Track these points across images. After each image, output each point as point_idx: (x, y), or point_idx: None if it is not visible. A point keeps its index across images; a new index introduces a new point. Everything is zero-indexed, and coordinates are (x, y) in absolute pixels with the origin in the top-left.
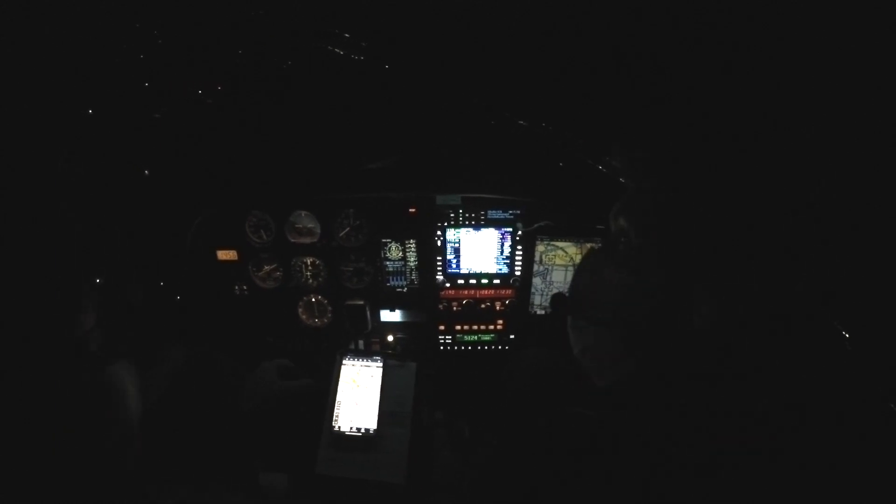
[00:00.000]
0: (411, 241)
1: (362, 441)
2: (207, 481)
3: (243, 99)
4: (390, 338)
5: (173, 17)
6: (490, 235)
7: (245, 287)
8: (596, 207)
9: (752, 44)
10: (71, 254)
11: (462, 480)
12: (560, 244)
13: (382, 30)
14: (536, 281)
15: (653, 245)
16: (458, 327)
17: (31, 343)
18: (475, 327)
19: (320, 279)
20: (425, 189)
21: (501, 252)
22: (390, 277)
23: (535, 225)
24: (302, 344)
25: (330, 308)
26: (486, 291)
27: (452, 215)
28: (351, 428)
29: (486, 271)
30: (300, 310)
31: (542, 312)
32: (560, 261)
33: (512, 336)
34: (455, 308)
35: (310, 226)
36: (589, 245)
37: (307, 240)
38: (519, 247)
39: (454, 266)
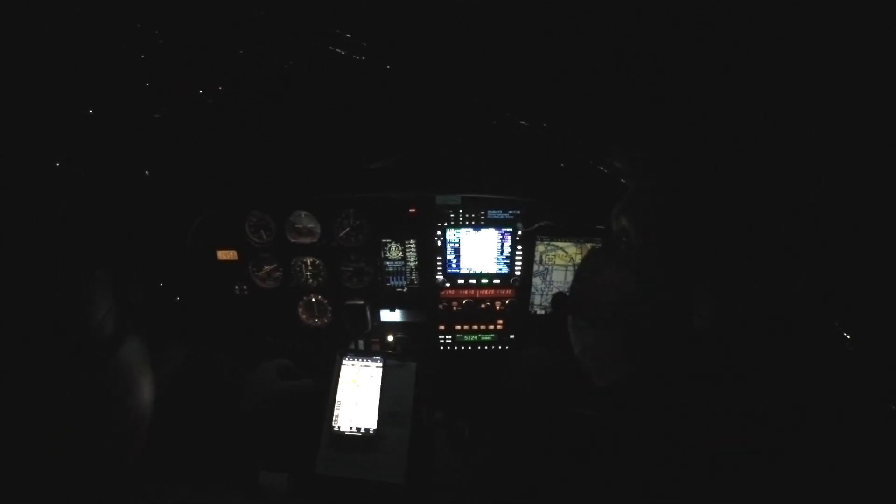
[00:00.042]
0: (411, 241)
1: (362, 441)
2: (207, 481)
3: (243, 99)
4: (390, 338)
5: (173, 17)
6: (490, 235)
7: (245, 287)
8: (596, 207)
9: (752, 44)
10: (71, 253)
11: (462, 480)
12: (560, 244)
13: (382, 30)
14: (536, 281)
15: (653, 245)
16: (458, 327)
17: (31, 344)
18: (475, 327)
19: (320, 279)
20: (425, 189)
21: (501, 252)
22: (390, 277)
23: (536, 225)
24: (302, 344)
25: (330, 308)
26: (486, 291)
27: (452, 215)
28: (351, 428)
29: (486, 271)
30: (300, 310)
31: (542, 312)
32: (560, 261)
33: (512, 336)
34: (455, 308)
35: (310, 226)
36: (589, 245)
37: (307, 240)
38: (519, 247)
39: (454, 266)
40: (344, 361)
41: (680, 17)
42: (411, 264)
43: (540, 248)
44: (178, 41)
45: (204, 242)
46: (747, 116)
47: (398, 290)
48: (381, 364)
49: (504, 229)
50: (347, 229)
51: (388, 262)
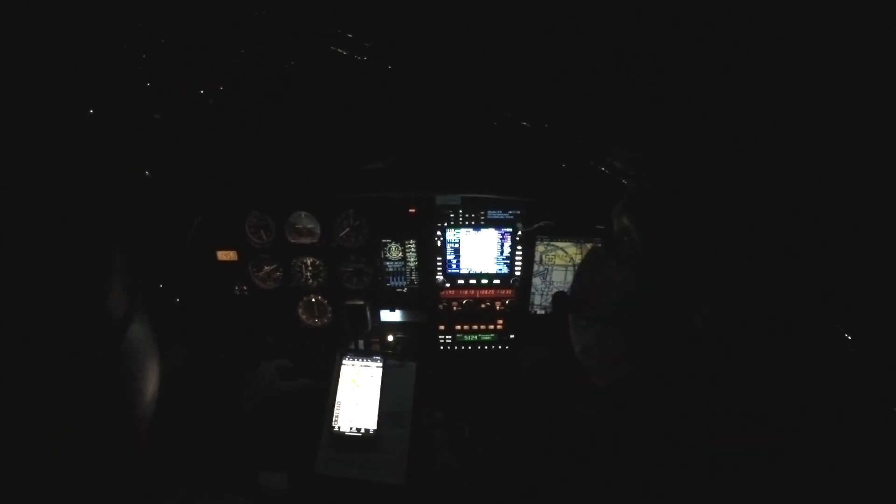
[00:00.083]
0: (411, 241)
1: (362, 441)
2: (207, 481)
3: (243, 99)
4: (390, 338)
5: (173, 17)
6: (490, 236)
7: (245, 287)
8: (596, 207)
9: (752, 44)
10: (71, 253)
11: (462, 480)
12: (560, 244)
13: (382, 30)
14: (536, 281)
15: (653, 245)
16: (458, 327)
17: (31, 344)
18: (475, 327)
19: (320, 279)
20: (425, 189)
21: (501, 252)
22: (390, 278)
23: (535, 225)
24: (302, 344)
25: (330, 308)
26: (486, 291)
27: (452, 215)
28: (351, 428)
29: (486, 271)
30: (300, 310)
31: (542, 312)
32: (560, 261)
33: (512, 336)
34: (455, 308)
35: (310, 226)
36: (589, 245)
37: (307, 240)
38: (519, 247)
39: (454, 266)
40: (344, 361)
41: (680, 17)
42: (411, 264)
43: (540, 248)
44: (178, 41)
45: (204, 243)
46: (747, 116)
47: (398, 290)
48: (380, 364)
49: (504, 229)
50: (347, 229)
51: (388, 263)
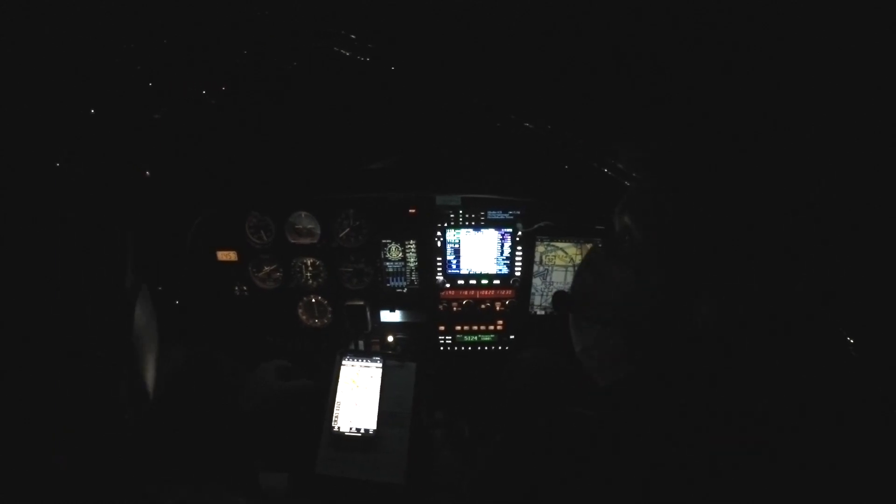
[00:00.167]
0: (411, 241)
1: (362, 441)
2: (207, 481)
3: (243, 99)
4: (390, 338)
5: (173, 17)
6: (490, 236)
7: (245, 288)
8: (596, 207)
9: (752, 44)
10: (71, 253)
11: (462, 480)
12: (560, 245)
13: (382, 30)
14: (536, 281)
15: (653, 245)
16: (459, 328)
17: (32, 343)
18: (475, 328)
19: (320, 280)
20: (425, 189)
21: (501, 253)
22: (390, 278)
23: (536, 225)
24: (302, 344)
25: (330, 309)
26: (486, 292)
27: (452, 216)
28: (350, 428)
29: (486, 272)
30: (300, 310)
31: (542, 313)
32: (560, 261)
33: (512, 336)
34: (455, 308)
35: (310, 226)
36: (589, 245)
37: (307, 240)
38: (519, 247)
39: (454, 266)
40: (344, 362)
41: (680, 17)
42: (411, 265)
43: (540, 248)
44: (179, 41)
45: (204, 243)
46: (747, 116)
47: (398, 290)
48: (380, 364)
49: (504, 230)
50: (347, 230)
51: (387, 263)
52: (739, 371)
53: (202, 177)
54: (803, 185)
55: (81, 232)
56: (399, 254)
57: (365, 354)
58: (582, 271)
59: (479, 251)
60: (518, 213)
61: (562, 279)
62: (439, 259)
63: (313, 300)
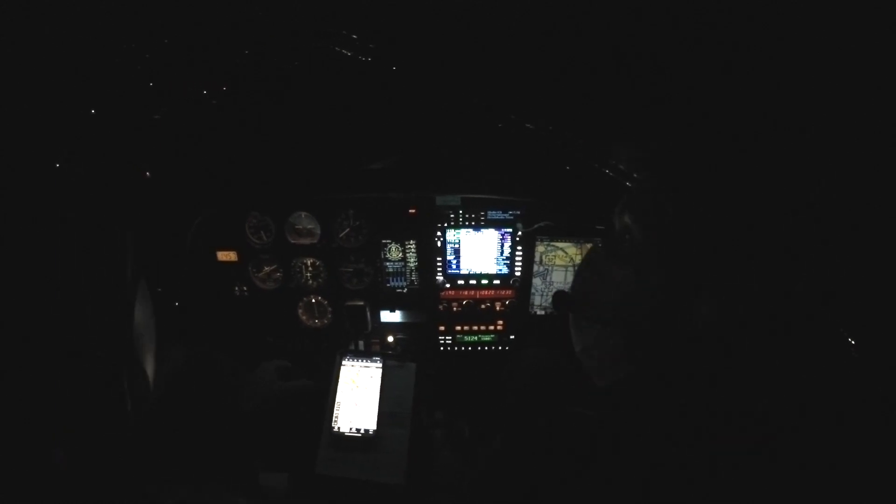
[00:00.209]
0: (411, 241)
1: (362, 441)
2: (207, 481)
3: (243, 99)
4: (390, 338)
5: (173, 17)
6: (490, 236)
7: (245, 288)
8: (596, 207)
9: (752, 44)
10: (71, 253)
11: (462, 480)
12: (560, 245)
13: (382, 30)
14: (536, 281)
15: (653, 245)
16: (459, 328)
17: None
18: (475, 328)
19: (320, 280)
20: (425, 189)
21: (501, 253)
22: (390, 278)
23: (536, 225)
24: (302, 344)
25: (330, 309)
26: (486, 292)
27: (452, 216)
28: (350, 428)
29: (486, 272)
30: (300, 311)
31: (542, 313)
32: (560, 261)
33: (512, 336)
34: (455, 309)
35: (310, 227)
36: (589, 245)
37: (307, 241)
38: (519, 247)
39: (454, 267)
40: (343, 362)
41: (680, 17)
42: (411, 265)
43: (540, 248)
44: (178, 41)
45: (204, 243)
46: (747, 116)
47: (398, 290)
48: (380, 365)
49: (504, 230)
50: (347, 230)
51: (388, 263)
52: (739, 371)
53: (202, 177)
54: (803, 185)
55: (81, 232)
56: (399, 254)
57: (365, 354)
58: (582, 271)
59: (479, 251)
60: (518, 213)
61: (562, 279)
62: (439, 259)
63: (313, 300)
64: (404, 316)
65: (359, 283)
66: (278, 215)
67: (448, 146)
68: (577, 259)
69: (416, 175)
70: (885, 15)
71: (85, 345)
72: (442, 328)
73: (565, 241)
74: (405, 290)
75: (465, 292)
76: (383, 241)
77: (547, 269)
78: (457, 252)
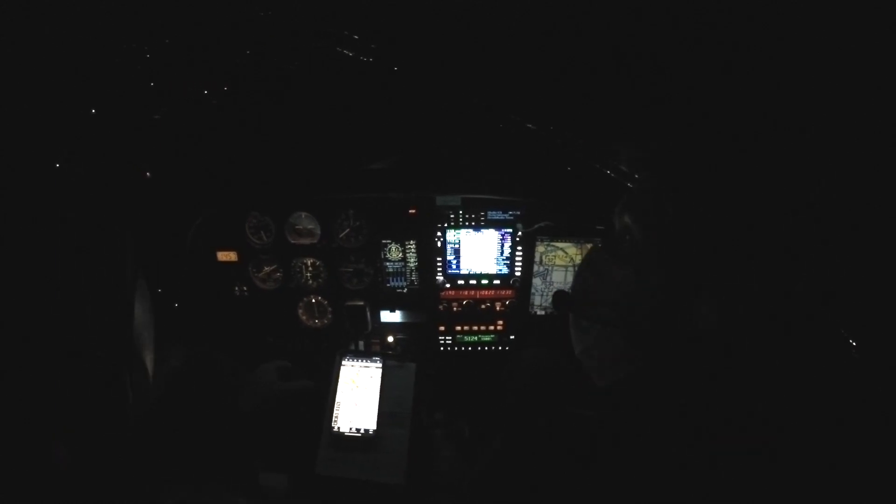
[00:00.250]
0: (411, 241)
1: (362, 441)
2: (207, 481)
3: (243, 99)
4: (390, 338)
5: (173, 17)
6: (490, 236)
7: (245, 288)
8: (596, 207)
9: (752, 44)
10: (71, 253)
11: (462, 480)
12: (560, 245)
13: (382, 30)
14: (536, 282)
15: (653, 245)
16: (459, 328)
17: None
18: (475, 328)
19: (320, 280)
20: (425, 189)
21: (501, 253)
22: (390, 278)
23: (536, 226)
24: (302, 344)
25: (330, 309)
26: (486, 292)
27: (452, 216)
28: (350, 428)
29: (486, 272)
30: (300, 311)
31: (543, 313)
32: (560, 261)
33: (512, 337)
34: (455, 309)
35: (310, 227)
36: (589, 245)
37: (307, 241)
38: (519, 247)
39: (454, 267)
40: (343, 362)
41: (680, 17)
42: (411, 265)
43: (540, 248)
44: (178, 41)
45: (204, 243)
46: (747, 116)
47: (398, 290)
48: (380, 365)
49: (504, 230)
50: (347, 230)
51: (388, 263)
52: (739, 371)
53: (202, 177)
54: (803, 185)
55: (81, 232)
56: (399, 254)
57: (365, 355)
58: (582, 271)
59: (479, 251)
60: (518, 213)
61: (562, 279)
62: (439, 259)
63: (313, 300)
64: (404, 316)
65: (359, 284)
66: (278, 215)
67: (448, 146)
68: (578, 259)
69: (416, 175)
70: (886, 15)
71: (85, 345)
72: (442, 328)
73: (565, 242)
74: (405, 291)
75: (465, 292)
76: (383, 241)
77: (547, 270)
78: (457, 252)
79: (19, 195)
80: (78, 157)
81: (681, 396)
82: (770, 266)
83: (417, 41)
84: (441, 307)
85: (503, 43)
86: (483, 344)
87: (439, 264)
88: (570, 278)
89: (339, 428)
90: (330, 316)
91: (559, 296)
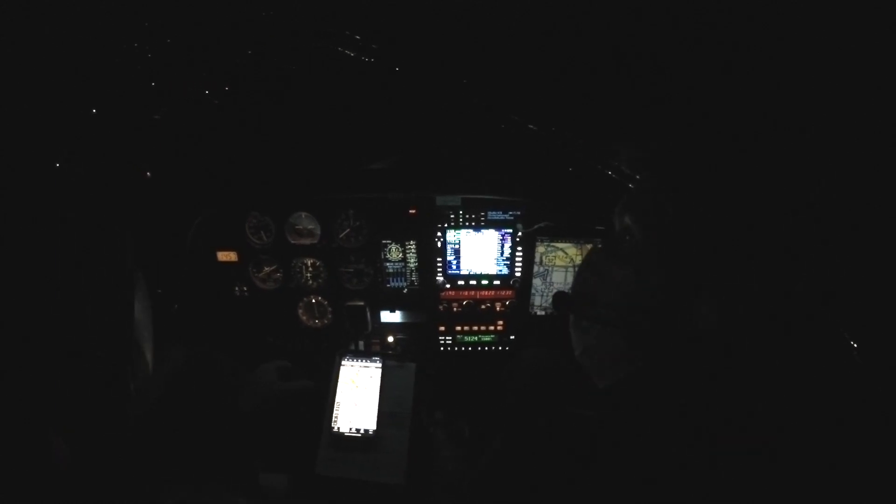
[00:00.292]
0: (411, 242)
1: (362, 441)
2: (207, 481)
3: (243, 99)
4: (390, 339)
5: (173, 17)
6: (490, 236)
7: (245, 288)
8: (596, 208)
9: (752, 44)
10: (71, 253)
11: (462, 480)
12: (560, 245)
13: (382, 30)
14: (537, 282)
15: (653, 245)
16: (459, 328)
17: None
18: (475, 328)
19: (320, 280)
20: (425, 189)
21: (501, 253)
22: (390, 278)
23: (536, 226)
24: (302, 345)
25: (330, 309)
26: (486, 292)
27: (452, 216)
28: (350, 428)
29: (486, 272)
30: (300, 311)
31: (543, 313)
32: (560, 262)
33: (512, 337)
34: (455, 309)
35: (310, 227)
36: (589, 246)
37: (307, 241)
38: (519, 248)
39: (454, 267)
40: (343, 362)
41: (680, 17)
42: (411, 265)
43: (540, 249)
44: (178, 41)
45: (204, 243)
46: (747, 116)
47: (398, 290)
48: (380, 365)
49: (504, 230)
50: (347, 230)
51: (388, 263)
52: (739, 371)
53: (202, 177)
54: (803, 185)
55: (81, 232)
56: (399, 254)
57: (364, 355)
58: (582, 271)
59: (479, 252)
60: (518, 213)
61: (562, 280)
62: (439, 259)
63: (313, 300)
64: (404, 316)
65: (359, 284)
66: (278, 215)
67: (448, 146)
68: (578, 260)
69: (416, 175)
70: (886, 15)
71: (85, 345)
72: (442, 328)
73: (565, 242)
74: (405, 291)
75: (466, 293)
76: (383, 241)
77: (547, 270)
78: (457, 252)
79: (19, 195)
80: (78, 157)
81: (681, 396)
82: (770, 266)
83: (417, 41)
84: (441, 307)
85: (503, 43)
86: (483, 344)
87: (439, 264)
88: (570, 279)
89: (338, 428)
90: (330, 316)
91: (559, 297)
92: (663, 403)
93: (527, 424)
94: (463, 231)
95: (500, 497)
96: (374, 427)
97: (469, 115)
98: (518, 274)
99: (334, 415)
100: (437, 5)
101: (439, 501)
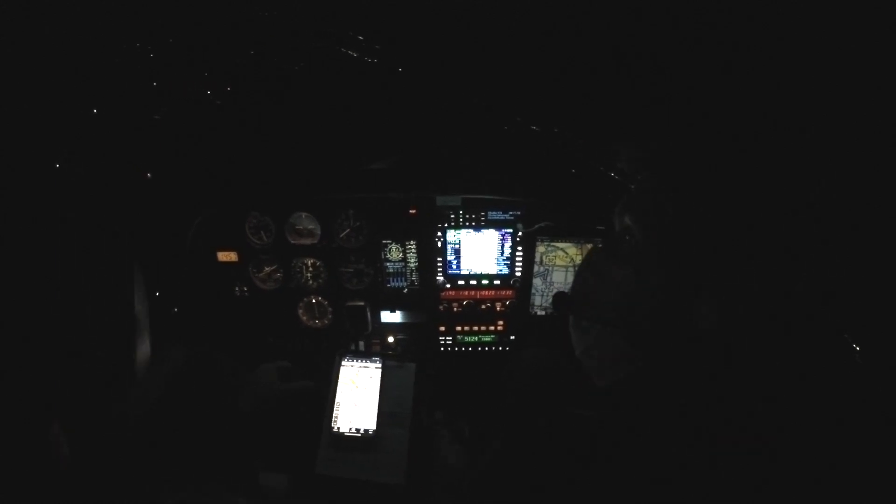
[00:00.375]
0: (412, 242)
1: (362, 441)
2: (207, 481)
3: (244, 99)
4: (391, 339)
5: (173, 17)
6: (490, 236)
7: (245, 288)
8: (596, 208)
9: (752, 44)
10: (71, 253)
11: (462, 480)
12: (560, 245)
13: (382, 30)
14: (537, 282)
15: (653, 245)
16: (459, 328)
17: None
18: (475, 328)
19: (320, 280)
20: (425, 189)
21: (502, 253)
22: (391, 278)
23: (536, 226)
24: (302, 345)
25: (330, 309)
26: (486, 292)
27: (453, 216)
28: (350, 428)
29: (486, 272)
30: (300, 311)
31: (543, 313)
32: (560, 262)
33: (512, 337)
34: (455, 309)
35: (310, 227)
36: (589, 246)
37: (307, 241)
38: (519, 248)
39: (454, 267)
40: (343, 362)
41: (680, 17)
42: (412, 265)
43: (540, 248)
44: (178, 41)
45: (204, 243)
46: (747, 116)
47: (398, 290)
48: (379, 365)
49: (504, 230)
50: (348, 230)
51: (388, 263)
52: (739, 371)
53: (202, 177)
54: (803, 185)
55: (81, 232)
56: (399, 254)
57: (364, 355)
58: (582, 271)
59: (479, 251)
60: (518, 213)
61: (562, 279)
62: (440, 259)
63: (313, 301)
64: (404, 316)
65: (359, 284)
66: (278, 215)
67: (448, 146)
68: (578, 259)
69: (416, 175)
70: (886, 15)
71: (85, 345)
72: (442, 328)
73: (566, 242)
74: (405, 291)
75: (466, 293)
76: (383, 241)
77: (547, 270)
78: (457, 252)
79: (19, 195)
80: (78, 157)
81: (681, 396)
82: (770, 266)
83: (417, 41)
84: (441, 307)
85: (503, 43)
86: (483, 344)
87: (439, 264)
88: (570, 278)
89: (338, 428)
90: (330, 316)
91: (559, 297)
92: (663, 403)
93: (527, 424)
94: (463, 231)
95: (501, 497)
96: (374, 427)
97: (469, 115)
98: (518, 274)
99: (334, 415)
100: (437, 5)
101: (439, 501)
